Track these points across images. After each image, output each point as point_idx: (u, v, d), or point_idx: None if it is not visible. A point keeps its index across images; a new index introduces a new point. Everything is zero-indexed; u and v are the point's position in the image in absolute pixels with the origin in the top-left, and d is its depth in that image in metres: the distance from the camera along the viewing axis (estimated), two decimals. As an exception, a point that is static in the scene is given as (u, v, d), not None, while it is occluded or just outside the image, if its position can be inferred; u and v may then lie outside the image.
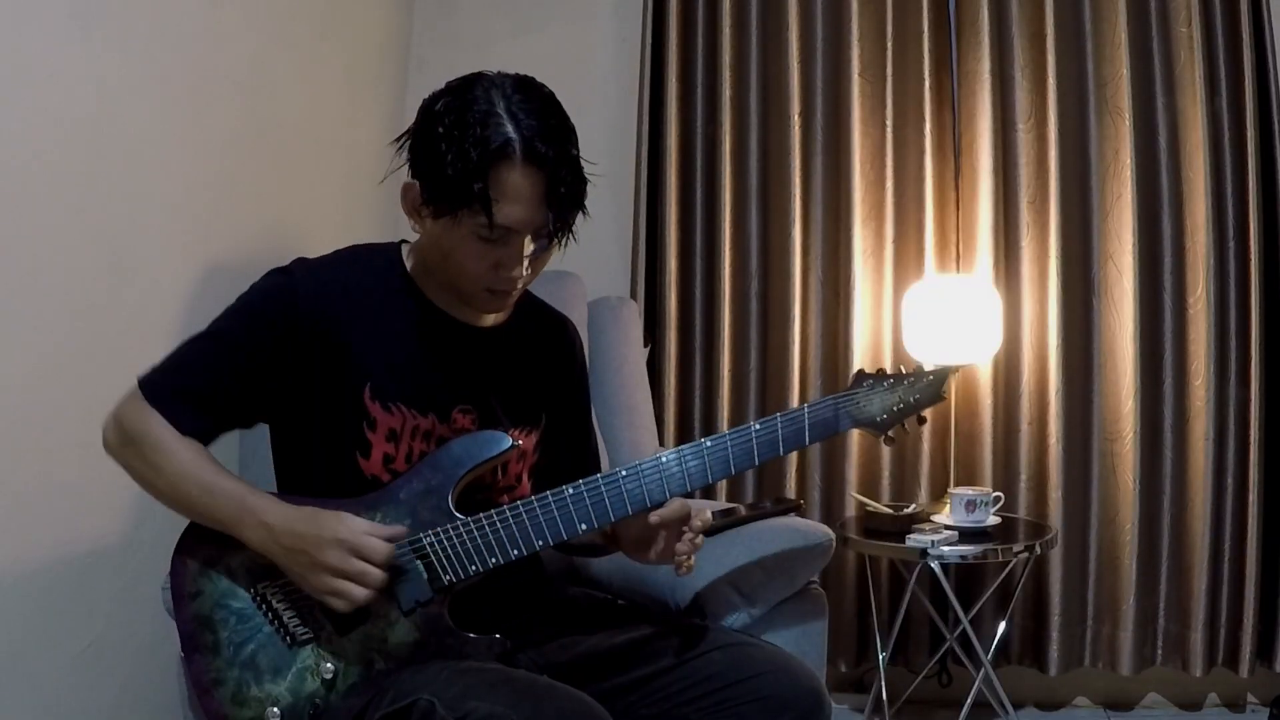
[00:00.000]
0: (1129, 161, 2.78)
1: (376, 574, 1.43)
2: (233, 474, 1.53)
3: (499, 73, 1.48)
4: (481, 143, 1.41)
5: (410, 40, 3.08)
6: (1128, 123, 2.78)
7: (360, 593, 1.43)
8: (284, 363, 1.51)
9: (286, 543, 1.45)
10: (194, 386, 1.52)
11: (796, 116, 2.88)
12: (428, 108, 1.48)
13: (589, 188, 1.49)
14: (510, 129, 1.41)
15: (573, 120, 1.49)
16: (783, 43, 2.89)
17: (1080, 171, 2.82)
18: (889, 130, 2.86)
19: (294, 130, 2.44)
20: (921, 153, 2.86)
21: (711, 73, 2.92)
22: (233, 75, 2.18)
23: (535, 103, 1.45)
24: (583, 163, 1.48)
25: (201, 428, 1.54)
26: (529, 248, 1.47)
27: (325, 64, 2.60)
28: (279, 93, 2.37)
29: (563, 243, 1.50)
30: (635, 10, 2.93)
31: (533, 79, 1.50)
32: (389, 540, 1.45)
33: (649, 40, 2.90)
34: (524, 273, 1.49)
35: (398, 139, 1.51)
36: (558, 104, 1.48)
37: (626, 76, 2.99)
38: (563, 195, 1.44)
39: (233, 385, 1.53)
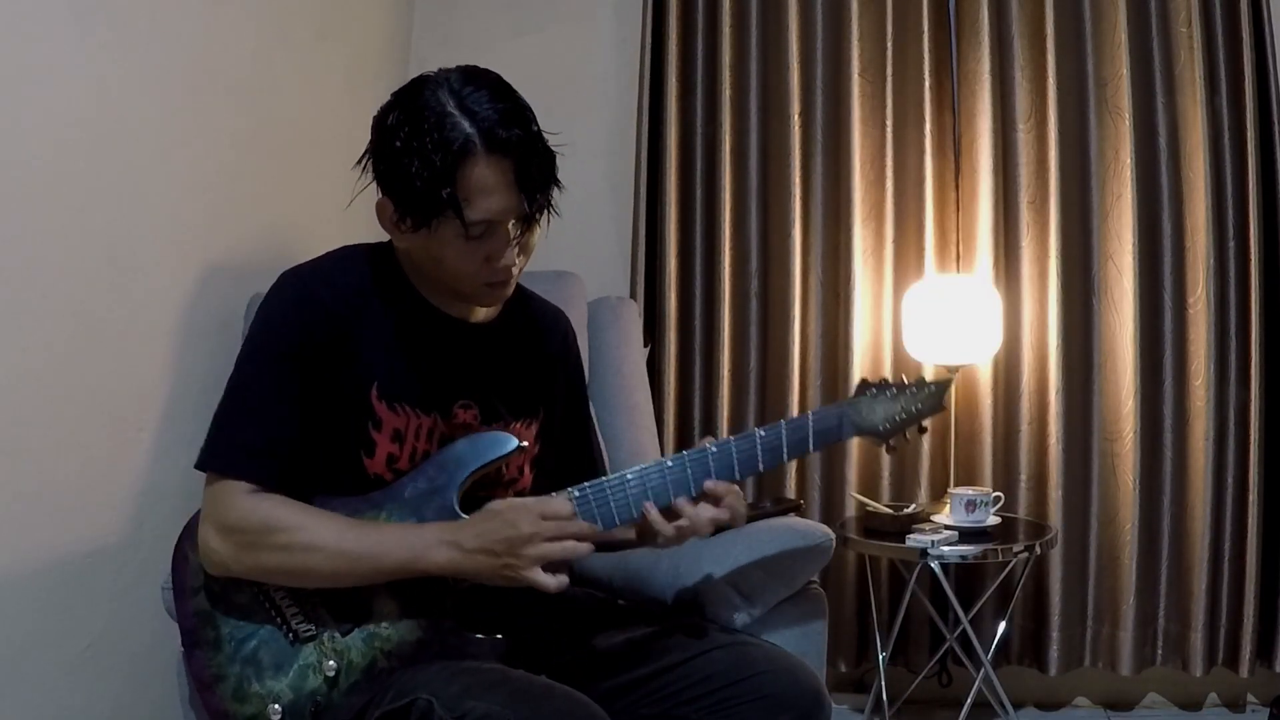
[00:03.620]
0: (1129, 161, 2.78)
1: (580, 528, 1.45)
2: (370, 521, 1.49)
3: (440, 70, 1.47)
4: (442, 146, 1.39)
5: (410, 40, 3.08)
6: (1128, 123, 2.78)
7: (583, 548, 1.44)
8: (318, 371, 1.49)
9: (477, 545, 1.43)
10: (261, 441, 1.47)
11: (796, 116, 2.88)
12: (380, 123, 1.46)
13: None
14: (467, 125, 1.40)
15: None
16: (783, 43, 2.89)
17: (1080, 171, 2.82)
18: (889, 130, 2.86)
19: (294, 130, 2.44)
20: (921, 153, 2.86)
21: (711, 73, 2.92)
22: (233, 75, 2.18)
23: (486, 90, 1.43)
24: (545, 136, 1.46)
25: (293, 474, 1.49)
26: (514, 233, 1.46)
27: (325, 64, 2.59)
28: (279, 93, 2.37)
29: (547, 220, 1.49)
30: (635, 10, 2.93)
31: (477, 67, 1.48)
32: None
33: (649, 40, 2.90)
34: (515, 258, 1.48)
35: (359, 160, 1.48)
36: (508, 87, 1.46)
37: (626, 76, 2.99)
38: (534, 175, 1.43)
39: (299, 415, 1.48)
